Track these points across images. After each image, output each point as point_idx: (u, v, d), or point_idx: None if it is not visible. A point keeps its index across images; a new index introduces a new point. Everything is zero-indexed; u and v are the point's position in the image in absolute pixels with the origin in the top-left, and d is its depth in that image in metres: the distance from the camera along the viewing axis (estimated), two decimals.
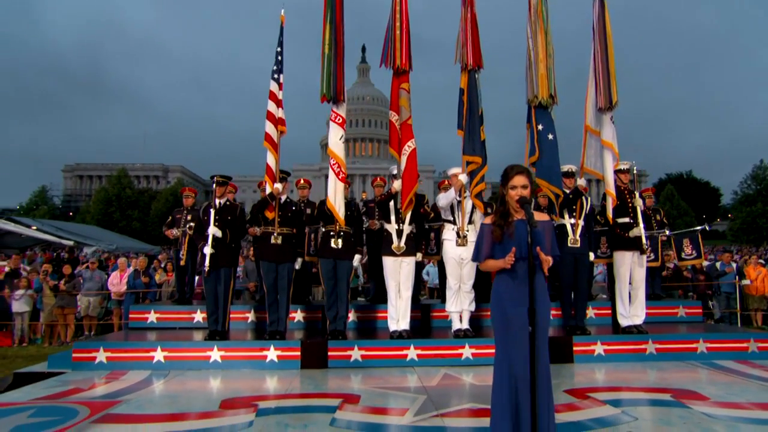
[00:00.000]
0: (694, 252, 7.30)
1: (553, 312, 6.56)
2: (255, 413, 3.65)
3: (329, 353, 5.37)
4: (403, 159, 5.18)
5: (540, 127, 5.26)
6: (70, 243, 14.57)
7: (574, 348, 5.48)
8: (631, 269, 5.75)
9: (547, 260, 2.73)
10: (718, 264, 10.64)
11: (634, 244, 5.62)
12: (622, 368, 5.14)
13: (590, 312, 6.78)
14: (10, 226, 15.09)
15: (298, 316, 6.59)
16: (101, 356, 5.34)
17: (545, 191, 5.31)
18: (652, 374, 4.88)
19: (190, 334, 6.15)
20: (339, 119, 5.21)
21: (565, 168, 5.90)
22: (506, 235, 2.85)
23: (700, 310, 6.90)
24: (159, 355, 5.34)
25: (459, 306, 5.61)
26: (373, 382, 4.76)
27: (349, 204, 5.82)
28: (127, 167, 68.54)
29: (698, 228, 7.56)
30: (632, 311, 5.78)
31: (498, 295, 2.90)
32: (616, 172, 5.87)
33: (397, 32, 5.11)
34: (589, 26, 5.51)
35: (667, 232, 7.20)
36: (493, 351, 5.55)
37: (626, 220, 5.74)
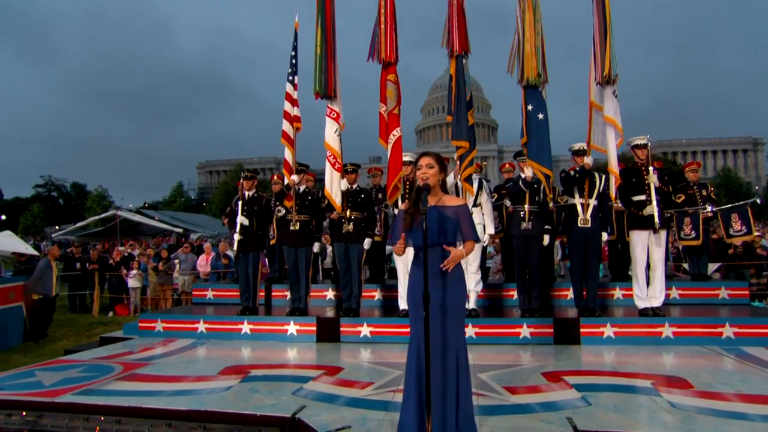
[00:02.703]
0: (743, 228, 6.28)
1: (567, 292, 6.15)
2: (241, 379, 3.96)
3: (341, 329, 5.56)
4: (389, 147, 5.13)
5: (530, 107, 4.86)
6: (180, 230, 16.36)
7: (582, 330, 5.08)
8: (648, 249, 5.18)
9: (456, 254, 2.64)
10: None
11: (650, 223, 5.04)
12: (627, 352, 4.68)
13: (617, 293, 6.23)
14: (138, 218, 17.40)
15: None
16: (159, 326, 6.05)
17: (535, 172, 4.93)
18: (653, 359, 4.38)
19: (237, 309, 6.68)
20: (333, 114, 5.30)
21: (576, 146, 5.44)
22: (415, 222, 2.77)
23: (747, 292, 5.98)
24: (202, 326, 5.92)
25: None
26: (370, 356, 4.88)
27: (362, 191, 5.90)
28: (244, 161, 74.51)
29: (748, 201, 6.48)
30: (650, 293, 5.21)
31: (411, 279, 2.85)
32: (633, 147, 5.28)
33: (382, 26, 5.03)
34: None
35: (709, 208, 6.28)
36: (497, 330, 5.41)
37: (641, 198, 5.15)
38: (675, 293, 6.19)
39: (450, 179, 5.32)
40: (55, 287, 8.42)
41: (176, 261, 11.17)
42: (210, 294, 7.34)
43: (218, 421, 3.06)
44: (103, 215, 18.94)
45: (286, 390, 3.66)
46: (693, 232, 6.34)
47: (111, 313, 10.85)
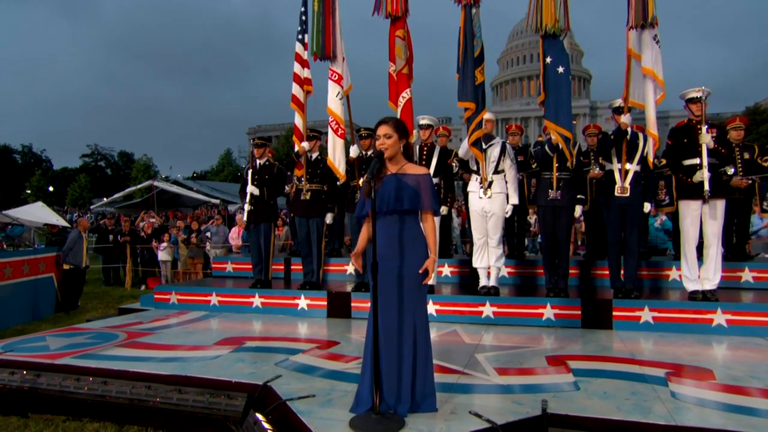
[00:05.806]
0: None
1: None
2: (233, 350, 4.48)
3: (352, 304, 5.96)
4: (399, 110, 5.28)
5: (548, 59, 4.79)
6: (217, 201, 17.53)
7: (614, 313, 5.11)
8: (701, 223, 5.04)
9: (430, 264, 2.96)
10: None
11: (700, 192, 4.89)
12: (664, 340, 4.66)
13: (673, 273, 6.11)
14: (175, 188, 18.83)
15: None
16: (173, 298, 6.79)
17: (553, 134, 4.90)
18: (688, 349, 4.34)
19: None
20: (335, 76, 5.52)
21: (615, 103, 5.34)
22: (374, 190, 3.01)
23: None
24: (214, 299, 6.57)
25: (485, 262, 5.63)
26: None
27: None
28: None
29: None
30: (703, 274, 5.10)
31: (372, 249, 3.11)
32: (687, 101, 5.08)
33: None
34: None
35: None
36: (517, 311, 5.61)
37: (694, 161, 4.99)
38: (748, 275, 5.96)
39: (464, 145, 5.44)
40: (85, 259, 9.55)
41: (207, 234, 12.12)
42: (229, 267, 8.05)
43: (193, 385, 3.56)
44: (139, 186, 20.70)
45: (271, 361, 4.11)
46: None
47: (143, 287, 12.05)
